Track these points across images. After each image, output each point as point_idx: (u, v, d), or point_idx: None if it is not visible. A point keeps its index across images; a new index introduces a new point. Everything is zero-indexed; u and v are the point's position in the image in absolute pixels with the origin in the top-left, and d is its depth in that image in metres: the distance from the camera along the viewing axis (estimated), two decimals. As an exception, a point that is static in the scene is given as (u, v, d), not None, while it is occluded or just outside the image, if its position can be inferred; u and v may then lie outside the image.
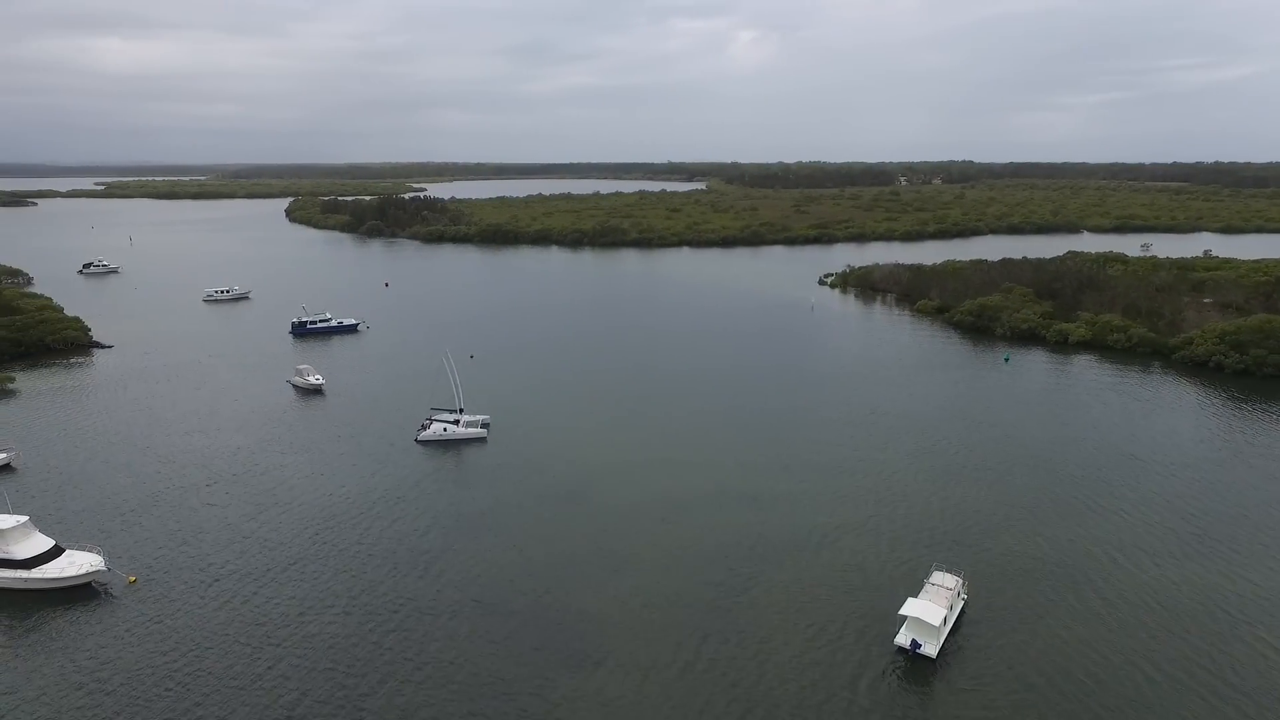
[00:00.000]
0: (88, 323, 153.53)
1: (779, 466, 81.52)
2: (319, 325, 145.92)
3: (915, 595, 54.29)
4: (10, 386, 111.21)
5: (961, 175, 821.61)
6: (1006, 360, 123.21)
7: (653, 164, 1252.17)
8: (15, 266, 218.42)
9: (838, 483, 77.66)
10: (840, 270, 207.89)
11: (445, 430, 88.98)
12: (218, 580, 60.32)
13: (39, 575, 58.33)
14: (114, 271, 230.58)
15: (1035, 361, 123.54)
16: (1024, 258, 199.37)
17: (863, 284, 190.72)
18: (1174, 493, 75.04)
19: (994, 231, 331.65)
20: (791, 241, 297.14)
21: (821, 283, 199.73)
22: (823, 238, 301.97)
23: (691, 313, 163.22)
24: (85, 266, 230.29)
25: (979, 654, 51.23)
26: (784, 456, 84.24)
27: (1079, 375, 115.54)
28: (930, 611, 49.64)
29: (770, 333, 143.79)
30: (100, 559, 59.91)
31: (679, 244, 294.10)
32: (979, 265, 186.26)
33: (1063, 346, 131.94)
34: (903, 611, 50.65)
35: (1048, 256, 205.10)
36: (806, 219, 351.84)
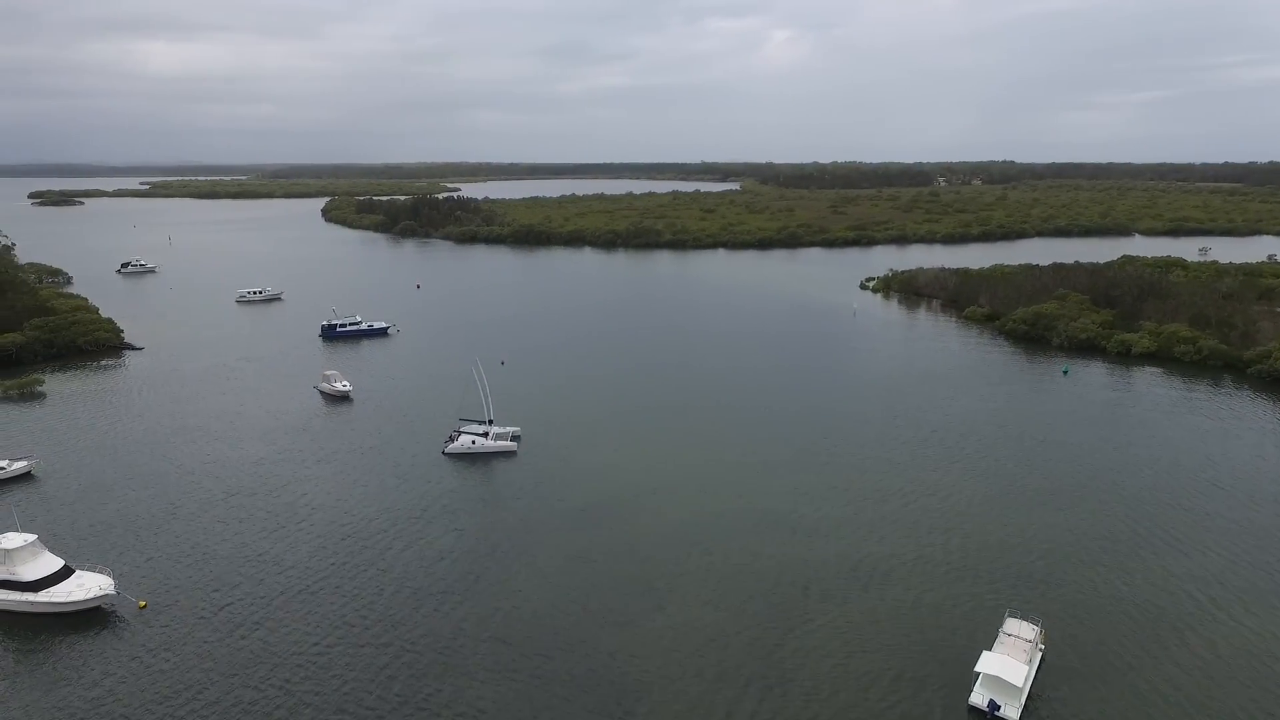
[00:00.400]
0: (121, 323, 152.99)
1: (825, 487, 76.23)
2: (349, 328, 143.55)
3: (989, 646, 48.85)
4: (39, 389, 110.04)
5: (1002, 176, 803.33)
6: (1065, 373, 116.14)
7: (686, 164, 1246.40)
8: (56, 266, 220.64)
9: (889, 506, 72.17)
10: (882, 274, 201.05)
11: (474, 443, 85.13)
12: (229, 605, 56.89)
13: (45, 599, 55.41)
14: (151, 271, 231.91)
15: (1096, 374, 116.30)
16: (1076, 262, 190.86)
17: (906, 288, 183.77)
18: (1264, 527, 68.29)
19: (1040, 234, 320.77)
20: (830, 243, 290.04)
21: (863, 287, 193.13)
22: (862, 240, 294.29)
23: (729, 317, 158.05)
24: (123, 266, 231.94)
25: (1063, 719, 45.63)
26: (830, 475, 78.91)
27: (1145, 390, 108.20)
28: (1011, 669, 44.21)
29: (811, 338, 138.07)
30: (110, 581, 56.87)
31: (714, 245, 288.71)
32: (1030, 270, 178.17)
33: (1124, 358, 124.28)
34: (979, 668, 45.22)
35: (1099, 260, 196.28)
36: (844, 220, 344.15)
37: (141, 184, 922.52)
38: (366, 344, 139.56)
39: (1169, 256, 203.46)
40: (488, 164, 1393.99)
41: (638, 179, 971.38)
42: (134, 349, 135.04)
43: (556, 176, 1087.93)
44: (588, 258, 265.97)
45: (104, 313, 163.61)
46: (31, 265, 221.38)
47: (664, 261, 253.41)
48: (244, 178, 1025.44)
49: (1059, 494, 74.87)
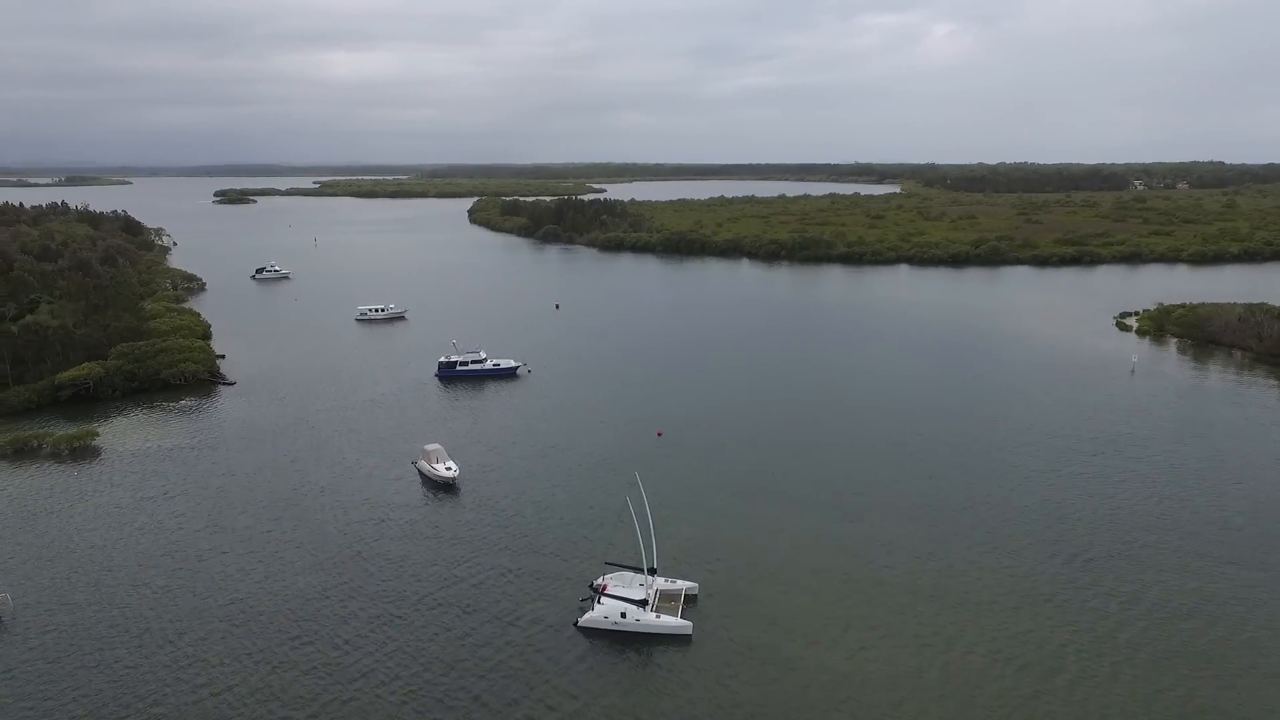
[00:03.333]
0: (228, 344, 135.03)
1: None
2: (471, 368, 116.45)
3: None
4: (94, 443, 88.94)
5: (1214, 179, 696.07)
6: None
7: (838, 165, 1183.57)
8: (191, 272, 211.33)
9: None
10: (1146, 308, 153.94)
11: (624, 616, 53.02)
12: None
13: None
14: (285, 277, 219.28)
15: None
16: None
17: (1193, 332, 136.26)
18: None
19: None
20: (1041, 261, 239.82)
21: (1122, 326, 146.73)
22: (1083, 257, 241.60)
23: (956, 365, 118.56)
24: (258, 272, 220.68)
25: None
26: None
27: None
28: None
29: (1088, 413, 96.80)
30: None
31: (894, 260, 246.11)
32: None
33: None
34: None
35: None
36: (1041, 230, 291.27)
37: (314, 183, 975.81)
38: (490, 389, 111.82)
39: None
40: (633, 164, 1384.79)
41: (787, 180, 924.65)
42: (225, 383, 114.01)
43: (702, 177, 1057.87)
44: (747, 272, 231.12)
45: (218, 327, 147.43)
46: (166, 270, 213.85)
47: (837, 279, 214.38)
48: (404, 177, 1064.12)
49: None
